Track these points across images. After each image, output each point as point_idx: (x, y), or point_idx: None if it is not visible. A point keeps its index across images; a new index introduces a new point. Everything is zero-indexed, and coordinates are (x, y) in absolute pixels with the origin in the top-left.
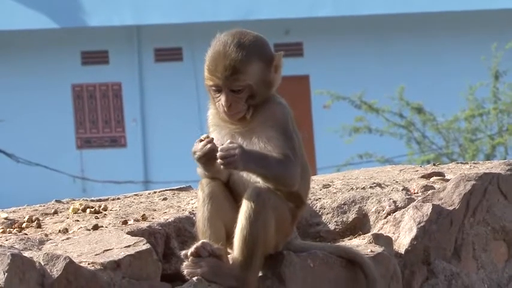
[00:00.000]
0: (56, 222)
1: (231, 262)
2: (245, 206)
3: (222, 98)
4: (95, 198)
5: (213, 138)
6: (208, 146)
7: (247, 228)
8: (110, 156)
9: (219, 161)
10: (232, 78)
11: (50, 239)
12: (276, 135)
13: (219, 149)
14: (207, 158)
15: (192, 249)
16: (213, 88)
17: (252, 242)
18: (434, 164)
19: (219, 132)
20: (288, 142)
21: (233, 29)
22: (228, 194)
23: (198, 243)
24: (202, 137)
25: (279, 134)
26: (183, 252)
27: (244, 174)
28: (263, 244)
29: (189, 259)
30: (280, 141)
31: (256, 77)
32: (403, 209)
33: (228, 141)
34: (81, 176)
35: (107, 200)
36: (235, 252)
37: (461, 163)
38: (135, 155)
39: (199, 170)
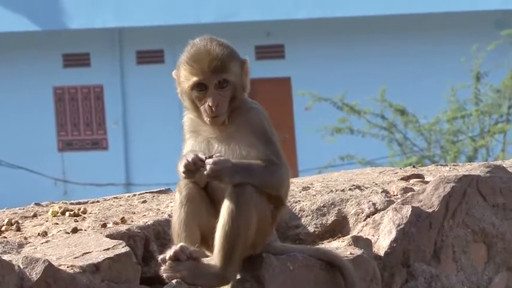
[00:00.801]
0: (35, 226)
1: (208, 263)
2: (228, 203)
3: (209, 99)
4: (74, 201)
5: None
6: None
7: (229, 224)
8: (91, 159)
9: (206, 173)
10: (219, 73)
11: (29, 242)
12: (257, 141)
13: (209, 162)
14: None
15: (170, 253)
16: (197, 88)
17: (233, 238)
18: (414, 166)
19: (195, 139)
20: (270, 146)
21: (203, 36)
22: (205, 197)
23: (176, 247)
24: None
25: (259, 140)
26: (160, 257)
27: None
28: (244, 241)
29: (167, 263)
30: (262, 146)
31: (237, 76)
32: (383, 211)
33: (218, 154)
34: (63, 178)
35: (86, 203)
36: (215, 248)
37: (440, 165)
38: (116, 158)
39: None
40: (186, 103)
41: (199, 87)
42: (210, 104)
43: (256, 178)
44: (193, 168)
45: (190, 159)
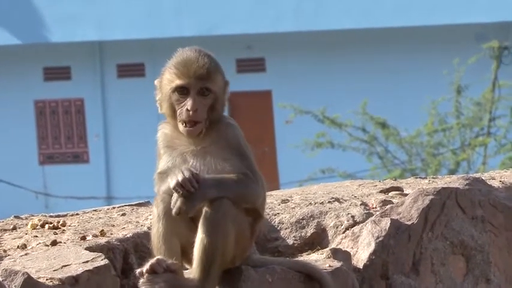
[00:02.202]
0: (14, 238)
1: (187, 277)
2: (205, 217)
3: (189, 102)
4: (53, 214)
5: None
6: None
7: (207, 238)
8: (72, 172)
9: (172, 205)
10: (203, 80)
11: (9, 255)
12: (232, 156)
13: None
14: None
15: (147, 266)
16: (179, 91)
17: (211, 252)
18: (394, 179)
19: (170, 154)
20: (244, 161)
21: (192, 46)
22: None
23: (153, 260)
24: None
25: (234, 155)
26: (138, 271)
27: None
28: (222, 255)
29: (145, 276)
30: (237, 161)
31: (220, 89)
32: (362, 224)
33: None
34: (44, 192)
35: (65, 215)
36: (194, 262)
37: (420, 178)
38: (97, 171)
39: (160, 188)
40: (165, 108)
41: (181, 90)
42: (188, 108)
43: (230, 191)
44: (189, 187)
45: (186, 176)
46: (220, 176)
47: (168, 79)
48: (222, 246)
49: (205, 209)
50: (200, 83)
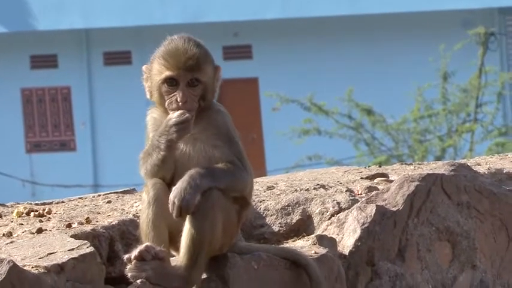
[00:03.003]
0: (0, 226)
1: (174, 264)
2: None
3: (178, 94)
4: (39, 202)
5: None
6: (186, 116)
7: (195, 226)
8: (59, 160)
9: (171, 210)
10: (192, 72)
11: None
12: (221, 143)
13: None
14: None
15: (135, 252)
16: (168, 82)
17: (199, 241)
18: (379, 166)
19: (167, 130)
20: (233, 148)
21: (182, 33)
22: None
23: (142, 247)
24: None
25: (223, 142)
26: (126, 256)
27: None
28: (209, 244)
29: (133, 262)
30: (226, 148)
31: (210, 78)
32: (347, 210)
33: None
34: (31, 180)
35: (51, 203)
36: (181, 250)
37: (405, 164)
38: (84, 159)
39: (145, 168)
40: (154, 97)
41: (171, 82)
42: (178, 100)
43: (222, 181)
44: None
45: (179, 118)
46: (212, 167)
47: (157, 69)
48: (209, 235)
49: None
50: (189, 75)
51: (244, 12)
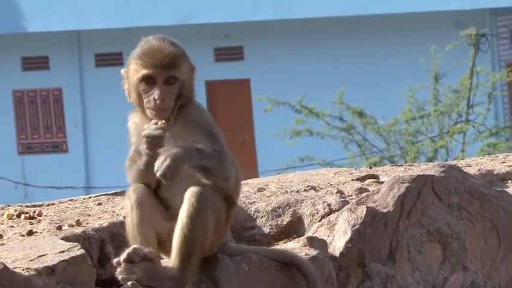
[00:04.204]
0: None
1: (165, 265)
2: (186, 205)
3: (156, 92)
4: (29, 204)
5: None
6: (159, 131)
7: (188, 226)
8: (51, 162)
9: (158, 167)
10: (169, 69)
11: None
12: (202, 137)
13: (159, 163)
14: (153, 143)
15: (124, 255)
16: (146, 80)
17: (191, 241)
18: (371, 167)
19: (140, 141)
20: (215, 140)
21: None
22: (155, 200)
23: (130, 249)
24: (154, 121)
25: (204, 137)
26: (115, 260)
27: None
28: (202, 243)
29: (122, 265)
30: (207, 141)
31: (187, 76)
32: (338, 212)
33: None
34: (23, 181)
35: (41, 205)
36: (173, 251)
37: (396, 165)
38: (76, 161)
39: (131, 175)
40: (132, 98)
41: (148, 80)
42: (156, 97)
43: (209, 161)
44: (159, 135)
45: (152, 132)
46: (200, 148)
47: (133, 69)
48: (202, 235)
49: (185, 198)
50: (166, 72)
51: (235, 13)
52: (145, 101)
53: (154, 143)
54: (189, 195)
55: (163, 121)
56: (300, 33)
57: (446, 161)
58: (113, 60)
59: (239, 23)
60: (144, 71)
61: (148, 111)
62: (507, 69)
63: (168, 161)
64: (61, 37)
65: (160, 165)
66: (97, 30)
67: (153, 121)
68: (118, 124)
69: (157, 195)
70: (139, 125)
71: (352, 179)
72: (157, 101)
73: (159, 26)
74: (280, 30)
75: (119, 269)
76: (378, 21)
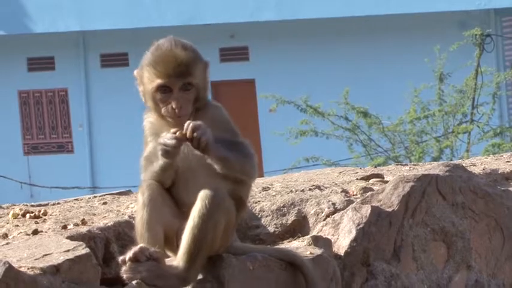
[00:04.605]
0: None
1: (170, 264)
2: (199, 206)
3: (173, 101)
4: (35, 203)
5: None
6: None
7: (199, 226)
8: (57, 162)
9: (189, 134)
10: (183, 77)
11: None
12: (224, 136)
13: (189, 126)
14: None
15: (129, 254)
16: (161, 90)
17: (200, 241)
18: (375, 166)
19: (157, 142)
20: (237, 137)
21: (167, 36)
22: (167, 198)
23: (136, 248)
24: (173, 130)
25: (226, 134)
26: (120, 258)
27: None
28: (210, 244)
29: (127, 264)
30: (230, 138)
31: (201, 78)
32: (342, 211)
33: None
34: (29, 182)
35: (46, 205)
36: (181, 249)
37: (401, 165)
38: (82, 161)
39: (146, 174)
40: (149, 103)
41: (163, 89)
42: (174, 107)
43: (233, 153)
44: (175, 145)
45: (169, 138)
46: (224, 138)
47: (148, 78)
48: (211, 236)
49: (199, 198)
50: (181, 80)
51: (240, 14)
52: (163, 110)
53: (169, 151)
54: (203, 195)
55: (181, 131)
56: (305, 33)
57: (451, 160)
58: (118, 60)
59: (244, 23)
60: (159, 81)
61: (168, 119)
62: None
63: (203, 128)
64: (66, 38)
65: (194, 125)
66: (102, 31)
67: (172, 130)
68: (123, 124)
69: (170, 192)
70: (156, 125)
71: (357, 178)
72: (176, 110)
73: (164, 27)
74: (286, 31)
75: (124, 268)
76: (383, 22)
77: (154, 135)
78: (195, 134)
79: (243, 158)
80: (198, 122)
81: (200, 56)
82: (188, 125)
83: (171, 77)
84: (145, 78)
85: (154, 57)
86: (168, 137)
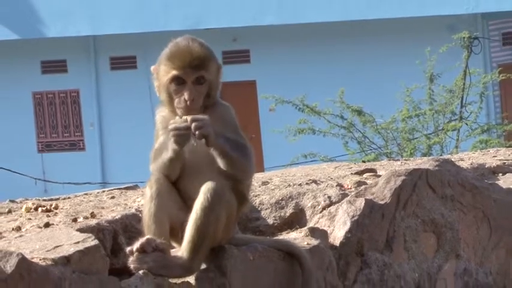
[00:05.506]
0: (9, 221)
1: (175, 255)
2: (202, 199)
3: (186, 92)
4: (46, 198)
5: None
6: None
7: (201, 219)
8: (69, 159)
9: (192, 126)
10: (198, 70)
11: (4, 237)
12: (229, 134)
13: (191, 118)
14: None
15: (137, 245)
16: (176, 81)
17: (202, 232)
18: (364, 161)
19: (168, 136)
20: (241, 137)
21: (185, 35)
22: (174, 192)
23: (143, 239)
24: (184, 118)
25: (231, 133)
26: (128, 249)
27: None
28: (212, 236)
29: (135, 255)
30: (235, 138)
31: (214, 76)
32: (338, 204)
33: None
34: (43, 178)
35: (58, 199)
36: (184, 241)
37: (393, 160)
38: (93, 158)
39: (155, 165)
40: (163, 96)
41: (178, 81)
42: (186, 98)
43: (235, 150)
44: (186, 128)
45: (179, 123)
46: (227, 135)
47: (164, 70)
48: (213, 229)
49: (201, 191)
50: (196, 73)
51: (242, 18)
52: (176, 101)
53: (181, 136)
54: (205, 189)
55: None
56: (303, 37)
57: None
58: (127, 63)
59: (246, 27)
60: (174, 72)
61: (178, 111)
62: (498, 70)
63: (206, 121)
64: (78, 42)
65: (197, 118)
66: (112, 35)
67: (183, 117)
68: (132, 123)
69: (177, 187)
70: (167, 119)
71: (351, 173)
72: (188, 101)
73: (170, 31)
74: (285, 35)
75: (131, 258)
76: (377, 26)
77: (165, 128)
78: (194, 124)
79: (243, 158)
80: (200, 116)
81: (215, 56)
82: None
83: (186, 68)
84: (162, 71)
85: (171, 51)
86: (178, 121)
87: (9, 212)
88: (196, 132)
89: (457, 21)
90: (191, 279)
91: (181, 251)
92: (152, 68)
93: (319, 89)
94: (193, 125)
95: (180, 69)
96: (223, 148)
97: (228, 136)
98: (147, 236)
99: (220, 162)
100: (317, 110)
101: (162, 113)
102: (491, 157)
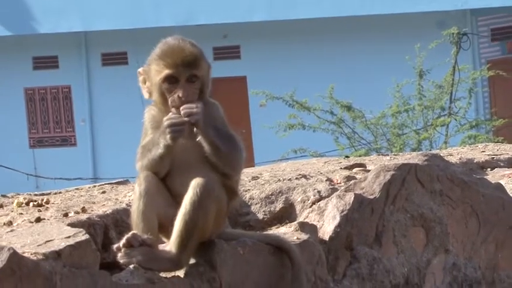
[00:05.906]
0: (1, 216)
1: (163, 249)
2: (191, 193)
3: (179, 90)
4: (38, 193)
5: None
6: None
7: (190, 213)
8: (61, 155)
9: (183, 112)
10: (190, 68)
11: None
12: (220, 128)
13: (184, 106)
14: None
15: (123, 241)
16: (168, 80)
17: (191, 227)
18: (346, 157)
19: (158, 132)
20: (232, 132)
21: (174, 35)
22: (163, 189)
23: (129, 235)
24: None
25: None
26: (115, 246)
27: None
28: (201, 231)
29: (122, 250)
30: (225, 130)
31: (205, 74)
32: (327, 199)
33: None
34: (35, 173)
35: (49, 194)
36: (173, 235)
37: (382, 155)
38: (84, 153)
39: (142, 163)
40: (155, 96)
41: (171, 80)
42: (180, 95)
43: (224, 143)
44: (182, 122)
45: (174, 118)
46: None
47: (156, 69)
48: (202, 223)
49: (191, 187)
50: (188, 71)
51: (233, 15)
52: (169, 100)
53: (176, 131)
54: (195, 184)
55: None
56: (293, 33)
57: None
58: (118, 59)
59: (236, 24)
60: (167, 71)
61: (172, 110)
62: (487, 66)
63: (198, 108)
64: (69, 38)
65: (189, 106)
66: (103, 31)
67: (175, 112)
68: (123, 119)
69: (166, 183)
70: (157, 117)
71: (341, 168)
72: (182, 99)
73: (161, 27)
74: (275, 31)
75: (119, 254)
76: (367, 22)
77: (154, 128)
78: (184, 111)
79: (232, 149)
80: (192, 104)
81: (205, 56)
82: (186, 108)
83: (178, 67)
84: (153, 71)
85: (162, 50)
86: (173, 116)
87: (1, 206)
88: (188, 118)
89: (446, 17)
90: (181, 273)
91: (169, 245)
92: (140, 70)
93: (310, 84)
94: (184, 111)
95: (172, 68)
96: (212, 137)
97: (219, 127)
98: (133, 231)
99: (209, 153)
100: (307, 105)
101: (151, 111)
102: (479, 152)
